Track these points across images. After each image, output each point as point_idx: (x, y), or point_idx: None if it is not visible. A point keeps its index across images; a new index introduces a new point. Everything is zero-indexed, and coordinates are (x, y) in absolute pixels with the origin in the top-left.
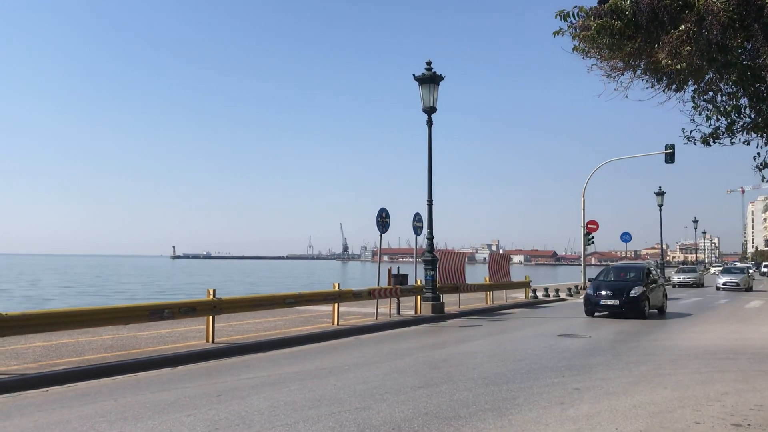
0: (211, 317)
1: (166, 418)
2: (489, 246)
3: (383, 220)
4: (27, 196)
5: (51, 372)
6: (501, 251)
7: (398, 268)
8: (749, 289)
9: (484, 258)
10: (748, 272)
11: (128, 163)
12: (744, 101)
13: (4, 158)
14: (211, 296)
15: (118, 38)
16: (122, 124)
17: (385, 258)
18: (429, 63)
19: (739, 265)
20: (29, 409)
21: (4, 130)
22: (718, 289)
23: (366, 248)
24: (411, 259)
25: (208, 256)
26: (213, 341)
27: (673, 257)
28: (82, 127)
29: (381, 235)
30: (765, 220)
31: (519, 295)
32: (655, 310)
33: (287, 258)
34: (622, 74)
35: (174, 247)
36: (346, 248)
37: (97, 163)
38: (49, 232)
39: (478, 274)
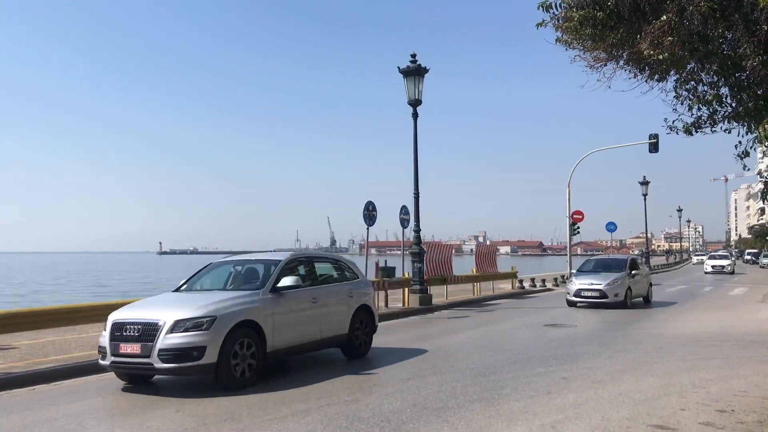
0: None
1: (154, 415)
2: (476, 237)
3: (370, 213)
4: (12, 193)
5: (37, 370)
6: (488, 242)
7: (385, 260)
8: (647, 300)
9: (471, 249)
10: (634, 269)
11: (113, 159)
12: (725, 90)
13: None
14: None
15: (123, 41)
16: (109, 122)
17: (373, 251)
18: (414, 55)
19: (616, 256)
20: (16, 407)
21: None
22: (570, 304)
23: (353, 241)
24: (398, 252)
25: (195, 252)
26: None
27: (659, 246)
28: (68, 125)
29: (368, 228)
30: (748, 208)
31: (506, 286)
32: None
33: (275, 252)
34: (605, 65)
35: (161, 242)
36: (333, 242)
37: (83, 161)
38: (35, 231)
39: (465, 265)
